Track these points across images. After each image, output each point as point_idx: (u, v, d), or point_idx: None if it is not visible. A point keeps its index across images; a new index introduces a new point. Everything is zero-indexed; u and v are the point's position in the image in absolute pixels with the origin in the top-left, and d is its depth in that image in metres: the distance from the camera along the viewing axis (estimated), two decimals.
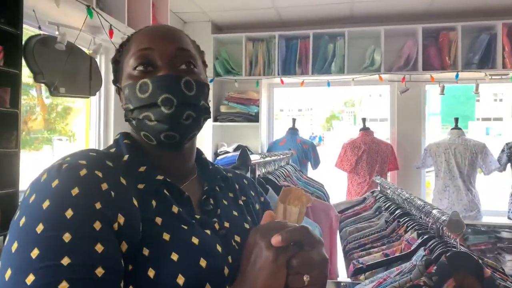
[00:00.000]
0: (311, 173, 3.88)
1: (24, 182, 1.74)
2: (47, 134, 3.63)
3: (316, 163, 3.84)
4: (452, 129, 3.46)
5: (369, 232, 1.66)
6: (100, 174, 0.58)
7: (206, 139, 3.78)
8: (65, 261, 0.50)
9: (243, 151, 1.30)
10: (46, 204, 0.53)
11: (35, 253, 0.50)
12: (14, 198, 1.70)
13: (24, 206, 0.55)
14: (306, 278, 0.55)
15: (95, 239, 0.53)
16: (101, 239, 0.54)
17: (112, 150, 0.70)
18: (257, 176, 1.43)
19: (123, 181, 0.61)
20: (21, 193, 1.74)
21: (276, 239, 0.55)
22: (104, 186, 0.57)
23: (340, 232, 1.88)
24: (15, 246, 0.52)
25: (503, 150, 3.35)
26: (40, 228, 0.52)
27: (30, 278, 0.49)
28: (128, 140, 0.71)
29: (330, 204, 1.79)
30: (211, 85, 3.66)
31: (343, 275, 1.40)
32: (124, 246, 0.56)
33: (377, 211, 1.93)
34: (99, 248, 0.53)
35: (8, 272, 0.50)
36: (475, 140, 3.40)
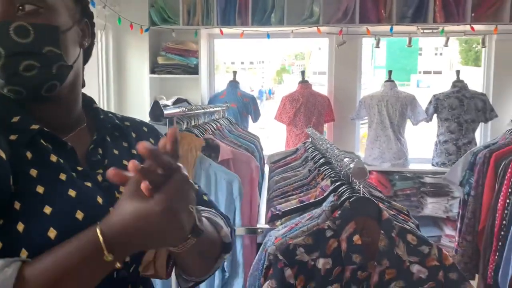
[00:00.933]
0: (254, 126, 3.92)
1: None
2: None
3: (256, 116, 3.88)
4: (385, 81, 3.60)
5: (293, 180, 1.73)
6: None
7: (144, 92, 3.66)
8: None
9: (155, 103, 1.27)
10: None
11: None
12: None
13: None
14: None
15: None
16: None
17: None
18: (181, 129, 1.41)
19: None
20: None
21: (142, 145, 0.51)
22: None
23: (269, 182, 1.94)
24: None
25: (430, 102, 3.54)
26: None
27: None
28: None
29: (251, 156, 1.83)
30: (146, 35, 3.50)
31: (263, 223, 1.46)
32: None
33: (304, 161, 2.00)
34: None
35: None
36: (406, 92, 3.56)
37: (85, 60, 0.78)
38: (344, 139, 3.70)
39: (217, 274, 1.45)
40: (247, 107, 3.82)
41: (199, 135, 1.45)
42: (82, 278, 0.53)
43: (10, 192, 0.57)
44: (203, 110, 1.87)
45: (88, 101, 0.79)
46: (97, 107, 0.79)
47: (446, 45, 3.62)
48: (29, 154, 0.61)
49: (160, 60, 3.70)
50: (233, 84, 3.87)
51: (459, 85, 3.47)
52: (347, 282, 1.06)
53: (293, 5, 3.53)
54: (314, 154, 1.92)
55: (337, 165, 1.53)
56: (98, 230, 0.53)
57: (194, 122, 1.80)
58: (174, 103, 3.71)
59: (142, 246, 0.57)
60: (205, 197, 0.83)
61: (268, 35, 3.64)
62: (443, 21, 3.33)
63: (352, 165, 1.19)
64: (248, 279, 1.28)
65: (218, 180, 1.29)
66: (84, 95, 0.77)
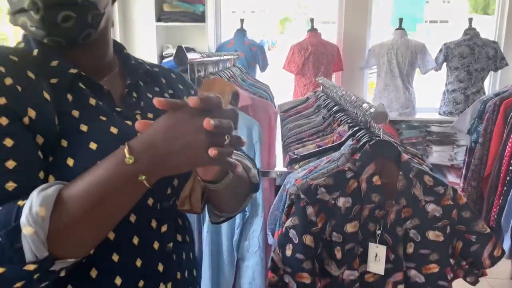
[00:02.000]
0: (262, 75, 3.90)
1: None
2: None
3: (264, 65, 3.85)
4: (396, 29, 3.53)
5: (307, 127, 1.76)
6: (2, 69, 0.57)
7: (150, 41, 3.62)
8: None
9: (180, 49, 1.28)
10: None
11: None
12: None
13: None
14: (227, 138, 0.54)
15: (3, 134, 0.54)
16: (10, 134, 0.55)
17: (21, 45, 0.67)
18: (196, 76, 1.43)
19: (31, 75, 0.60)
20: None
21: (192, 100, 0.52)
22: (8, 80, 0.57)
23: (282, 129, 1.98)
24: None
25: (440, 50, 3.50)
26: None
27: None
28: None
29: (269, 102, 1.85)
30: None
31: (280, 167, 1.52)
32: (40, 139, 0.58)
33: (316, 109, 2.02)
34: (8, 142, 0.54)
35: None
36: (416, 40, 3.51)
37: (112, 2, 0.79)
38: (352, 89, 3.69)
39: (238, 214, 1.52)
40: (255, 56, 3.78)
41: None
42: (115, 195, 0.54)
43: (56, 131, 0.60)
44: (219, 58, 1.86)
45: (119, 47, 0.80)
46: (127, 52, 0.81)
47: None
48: (69, 97, 0.64)
49: (166, 8, 3.62)
50: (241, 32, 3.80)
51: (471, 33, 3.41)
52: (365, 219, 1.13)
53: None
54: (327, 102, 1.95)
55: (353, 111, 1.56)
56: (127, 142, 0.54)
57: (209, 70, 1.81)
58: None
59: (167, 159, 0.54)
60: None
61: None
62: None
63: (372, 110, 1.22)
64: (268, 218, 1.35)
65: (239, 125, 1.32)
66: (114, 41, 0.78)
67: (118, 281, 0.64)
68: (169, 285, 0.70)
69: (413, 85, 3.55)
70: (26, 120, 0.57)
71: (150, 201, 0.68)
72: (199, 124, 0.51)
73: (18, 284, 0.51)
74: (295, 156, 1.37)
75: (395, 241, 1.12)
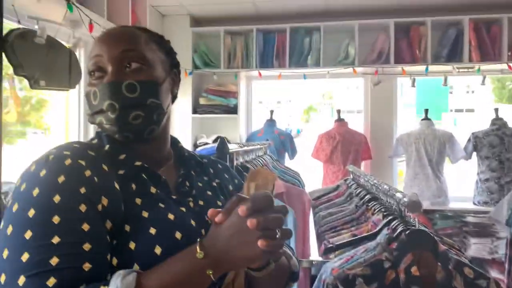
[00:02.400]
0: (290, 163, 3.99)
1: (3, 174, 1.77)
2: (21, 128, 3.60)
3: (293, 153, 3.96)
4: (422, 119, 3.63)
5: (340, 215, 1.78)
6: (83, 163, 0.66)
7: (186, 131, 3.84)
8: (56, 240, 0.58)
9: (222, 141, 1.38)
10: (36, 191, 0.61)
11: (28, 234, 0.58)
12: None
13: (16, 194, 0.63)
14: (278, 231, 0.61)
15: (81, 219, 0.62)
16: (87, 220, 0.62)
17: (94, 141, 0.79)
18: (234, 165, 1.52)
19: (105, 167, 0.70)
20: (3, 184, 1.77)
21: (241, 209, 0.61)
22: (88, 173, 0.65)
23: (314, 217, 1.99)
24: (10, 229, 0.60)
25: (469, 140, 3.53)
26: (31, 212, 0.60)
27: (25, 256, 0.57)
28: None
29: (303, 189, 1.90)
30: (189, 78, 3.73)
31: (315, 256, 1.51)
32: (108, 224, 0.65)
33: (348, 197, 2.05)
34: (85, 227, 0.61)
35: (5, 252, 0.58)
36: (443, 130, 3.58)
37: (172, 102, 0.90)
38: (382, 177, 3.69)
39: None
40: (284, 144, 3.92)
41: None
42: (186, 285, 0.62)
43: (122, 217, 0.67)
44: (253, 147, 1.97)
45: (174, 140, 0.91)
46: (182, 146, 0.91)
47: (483, 83, 3.65)
48: (133, 186, 0.72)
49: (202, 101, 3.90)
50: (270, 122, 4.00)
51: (498, 123, 3.46)
52: None
53: (329, 47, 3.69)
54: (358, 191, 1.98)
55: (386, 200, 1.59)
56: (198, 241, 0.63)
57: (244, 158, 1.91)
58: (214, 141, 3.86)
59: (227, 255, 0.62)
60: None
61: (305, 76, 3.79)
62: (478, 60, 3.39)
63: (405, 199, 1.24)
64: None
65: None
66: (171, 136, 0.89)
67: None
68: None
69: (444, 174, 3.54)
70: (99, 207, 0.65)
71: None
72: (243, 228, 0.61)
73: None
74: (331, 245, 1.38)
75: None
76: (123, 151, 0.75)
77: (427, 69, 3.48)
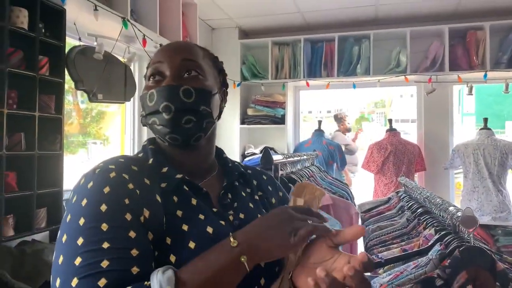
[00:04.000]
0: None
1: (65, 182, 1.90)
2: (82, 138, 3.83)
3: (342, 164, 3.88)
4: (481, 129, 3.43)
5: (390, 229, 1.71)
6: (127, 176, 0.70)
7: (234, 141, 3.89)
8: (105, 245, 0.62)
9: (266, 151, 1.38)
10: (84, 202, 0.66)
11: (80, 241, 0.62)
12: (58, 196, 1.86)
13: (69, 206, 0.68)
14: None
15: (128, 228, 0.65)
16: (133, 228, 0.65)
17: (140, 155, 0.82)
18: (279, 175, 1.51)
19: (147, 181, 0.72)
20: (64, 192, 1.89)
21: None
22: (131, 186, 0.69)
23: None
24: (64, 238, 0.64)
25: None
26: (82, 221, 0.64)
27: (78, 260, 0.61)
28: (153, 146, 0.83)
29: (351, 202, 1.85)
30: (238, 90, 3.79)
31: None
32: (150, 236, 0.67)
33: (399, 210, 1.97)
34: (132, 234, 0.64)
35: (61, 259, 0.63)
36: (505, 140, 3.35)
37: (218, 117, 0.92)
38: (437, 190, 3.54)
39: None
40: (332, 155, 3.85)
41: (299, 181, 1.52)
42: (222, 273, 0.63)
43: (163, 229, 0.69)
44: (299, 158, 1.96)
45: (219, 151, 0.93)
46: (226, 156, 0.93)
47: None
48: (175, 198, 0.74)
49: (250, 112, 3.94)
50: (319, 132, 3.95)
51: None
52: None
53: (379, 55, 3.60)
54: (410, 204, 1.90)
55: (440, 214, 1.51)
56: (230, 234, 0.67)
57: (290, 169, 1.90)
58: (262, 151, 3.88)
59: (260, 238, 0.66)
60: None
61: (354, 85, 3.72)
62: None
63: (459, 213, 1.18)
64: None
65: None
66: (216, 147, 0.91)
67: None
68: None
69: (507, 188, 3.30)
70: (142, 219, 0.67)
71: None
72: (287, 218, 0.68)
73: None
74: (379, 260, 1.33)
75: None
76: (166, 164, 0.78)
77: (485, 75, 3.29)
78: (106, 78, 2.35)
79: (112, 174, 0.69)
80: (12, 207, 1.63)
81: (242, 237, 0.66)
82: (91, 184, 0.67)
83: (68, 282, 0.60)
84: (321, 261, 0.66)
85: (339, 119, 4.82)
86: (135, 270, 0.62)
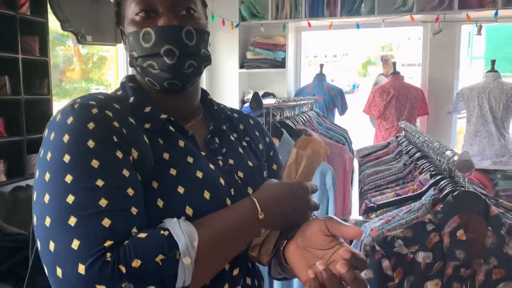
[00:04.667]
0: (344, 119, 3.87)
1: None
2: (85, 84, 3.77)
3: (343, 109, 3.82)
4: (487, 72, 3.31)
5: (386, 174, 1.69)
6: (110, 114, 0.63)
7: (233, 87, 3.81)
8: (100, 183, 0.56)
9: (255, 94, 1.32)
10: (66, 138, 0.58)
11: (69, 178, 0.56)
12: None
13: (46, 143, 0.60)
14: None
15: (121, 165, 0.59)
16: (126, 166, 0.60)
17: (119, 93, 0.74)
18: (271, 120, 1.46)
19: (132, 120, 0.66)
20: None
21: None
22: (116, 123, 0.62)
23: (359, 175, 1.92)
24: (47, 176, 0.57)
25: None
26: (67, 158, 0.57)
27: (71, 198, 0.54)
28: (133, 83, 0.75)
29: (345, 147, 1.81)
30: (236, 31, 3.64)
31: (356, 215, 1.45)
32: (138, 178, 0.62)
33: (397, 155, 1.94)
34: (126, 173, 0.59)
35: (47, 197, 0.56)
36: (511, 83, 3.25)
37: None
38: (439, 134, 3.48)
39: None
40: (333, 100, 3.78)
41: (292, 126, 1.47)
42: (240, 233, 0.64)
43: (150, 173, 0.64)
44: (294, 103, 1.90)
45: (203, 93, 0.85)
46: (211, 98, 0.85)
47: None
48: (161, 140, 0.68)
49: (249, 55, 3.81)
50: (320, 77, 3.84)
51: None
52: (449, 278, 1.02)
53: None
54: (409, 148, 1.86)
55: (437, 158, 1.47)
56: (253, 198, 0.66)
57: (286, 114, 1.84)
58: (262, 97, 3.80)
59: (284, 212, 0.68)
60: None
61: (358, 25, 3.55)
62: None
63: (455, 158, 1.13)
64: None
65: None
66: (201, 88, 0.83)
67: None
68: None
69: (510, 132, 3.25)
70: (130, 159, 0.62)
71: None
72: (305, 196, 0.70)
73: None
74: (372, 205, 1.31)
75: None
76: (148, 103, 0.71)
77: (496, 14, 3.11)
78: (94, 18, 2.24)
79: (94, 110, 0.61)
80: (1, 153, 1.61)
81: (269, 211, 0.65)
82: (71, 119, 0.60)
83: (64, 221, 0.54)
84: (318, 248, 0.64)
85: (385, 60, 4.59)
86: (134, 210, 0.57)
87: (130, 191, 0.58)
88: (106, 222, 0.54)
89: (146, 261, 0.53)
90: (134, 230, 0.56)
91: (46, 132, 0.62)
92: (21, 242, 1.32)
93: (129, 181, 0.59)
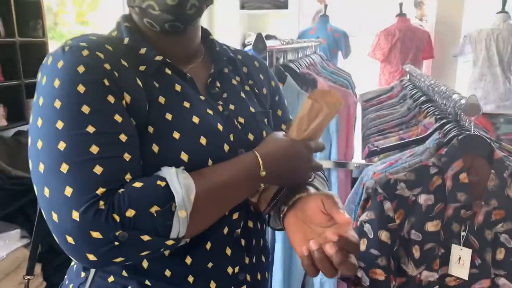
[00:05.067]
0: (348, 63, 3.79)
1: None
2: (81, 27, 3.66)
3: (347, 52, 3.73)
4: (498, 12, 3.19)
5: (390, 118, 1.67)
6: (101, 56, 0.61)
7: (233, 29, 3.69)
8: (90, 129, 0.55)
9: (259, 35, 1.28)
10: (56, 83, 0.57)
11: (60, 124, 0.55)
12: None
13: (39, 88, 0.60)
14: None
15: (112, 110, 0.58)
16: (118, 111, 0.58)
17: (114, 33, 0.71)
18: (274, 63, 1.42)
19: (124, 63, 0.63)
20: None
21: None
22: (107, 66, 0.60)
23: (362, 120, 1.90)
24: (39, 121, 0.57)
25: None
26: (57, 104, 0.56)
27: (62, 145, 0.54)
28: (129, 23, 0.71)
29: (350, 91, 1.78)
30: None
31: (358, 159, 1.46)
32: (132, 122, 0.61)
33: (401, 99, 1.91)
34: (118, 118, 0.58)
35: (39, 143, 0.56)
36: None
37: None
38: (443, 78, 3.43)
39: None
40: (337, 43, 3.67)
41: (296, 70, 1.44)
42: (239, 188, 0.64)
43: (145, 117, 0.63)
44: (299, 45, 1.84)
45: (205, 33, 0.81)
46: (213, 38, 0.81)
47: None
48: (156, 84, 0.66)
49: None
50: (324, 18, 3.71)
51: None
52: (449, 219, 1.04)
53: None
54: (413, 92, 1.83)
55: (442, 102, 1.45)
56: (256, 153, 0.65)
57: (289, 57, 1.79)
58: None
59: (286, 171, 0.68)
60: None
61: None
62: None
63: (462, 101, 1.12)
64: None
65: None
66: (201, 27, 0.79)
67: (188, 260, 0.66)
68: (237, 269, 0.72)
69: None
70: (123, 103, 0.60)
71: None
72: (308, 157, 0.70)
73: (148, 252, 0.57)
74: (375, 148, 1.31)
75: (482, 245, 1.03)
76: (143, 44, 0.68)
77: None
78: None
79: (85, 52, 0.59)
80: (0, 97, 1.59)
81: (269, 166, 0.65)
82: (61, 63, 0.58)
83: (56, 168, 0.54)
84: (316, 224, 0.64)
85: (418, 3, 4.39)
86: (127, 156, 0.57)
87: (122, 137, 0.57)
88: (98, 169, 0.54)
89: (141, 211, 0.54)
90: (128, 176, 0.56)
91: (39, 75, 0.61)
92: (28, 185, 1.34)
93: (121, 126, 0.58)
